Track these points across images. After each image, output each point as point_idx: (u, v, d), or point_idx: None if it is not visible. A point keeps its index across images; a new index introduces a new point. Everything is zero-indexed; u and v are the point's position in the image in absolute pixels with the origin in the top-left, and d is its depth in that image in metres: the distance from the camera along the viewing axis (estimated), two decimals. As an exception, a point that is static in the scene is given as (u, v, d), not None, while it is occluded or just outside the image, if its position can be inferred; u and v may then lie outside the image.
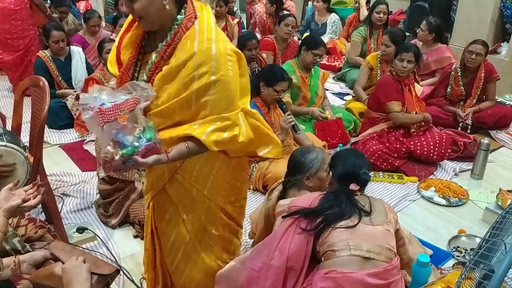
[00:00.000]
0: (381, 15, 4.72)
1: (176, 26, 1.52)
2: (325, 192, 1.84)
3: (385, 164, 3.30)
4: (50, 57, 3.99)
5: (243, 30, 5.82)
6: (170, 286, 1.99)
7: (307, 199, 1.80)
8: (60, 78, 4.02)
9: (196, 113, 1.53)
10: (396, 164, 3.32)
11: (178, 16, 1.52)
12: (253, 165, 3.06)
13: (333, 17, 5.84)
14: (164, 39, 1.53)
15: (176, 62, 1.50)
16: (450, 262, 2.45)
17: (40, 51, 4.06)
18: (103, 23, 5.15)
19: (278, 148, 1.82)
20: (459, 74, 3.93)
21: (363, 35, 4.82)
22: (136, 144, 1.43)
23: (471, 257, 1.05)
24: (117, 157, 1.42)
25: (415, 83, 3.50)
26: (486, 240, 1.01)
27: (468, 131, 3.78)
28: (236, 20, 5.58)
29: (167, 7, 1.48)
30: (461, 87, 3.94)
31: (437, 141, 3.35)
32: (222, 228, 1.85)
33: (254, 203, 2.91)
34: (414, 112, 3.37)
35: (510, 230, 0.95)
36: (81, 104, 1.45)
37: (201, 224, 1.80)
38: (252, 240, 2.34)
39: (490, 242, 0.96)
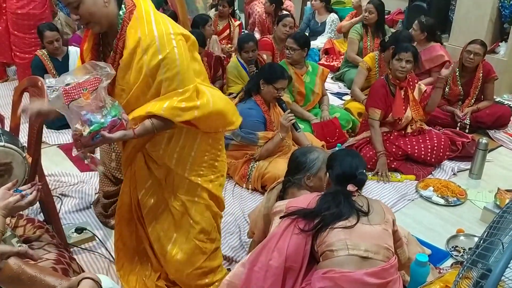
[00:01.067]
0: (367, 14, 4.76)
1: (121, 21, 1.63)
2: (323, 192, 1.84)
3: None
4: (48, 56, 3.99)
5: (243, 31, 5.82)
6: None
7: (305, 199, 1.81)
8: (57, 77, 4.01)
9: (157, 95, 1.64)
10: (394, 165, 3.32)
11: (120, 12, 1.64)
12: (252, 164, 3.06)
13: (332, 16, 5.84)
14: (115, 37, 1.66)
15: (127, 52, 1.63)
16: (449, 262, 2.45)
17: (38, 50, 4.06)
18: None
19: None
20: (457, 74, 3.93)
21: (359, 33, 4.85)
22: (102, 120, 1.53)
23: (469, 256, 1.05)
24: (85, 134, 1.52)
25: (418, 83, 3.43)
26: (483, 239, 1.01)
27: (467, 131, 3.79)
28: (238, 22, 5.59)
29: (107, 5, 1.60)
30: (459, 87, 3.94)
31: (435, 144, 3.35)
32: (203, 209, 1.92)
33: (253, 202, 2.91)
34: (401, 117, 3.34)
35: (508, 230, 0.95)
36: (48, 87, 1.55)
37: (182, 204, 1.88)
38: (251, 239, 2.34)
39: (488, 242, 0.97)
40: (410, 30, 4.45)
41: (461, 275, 1.02)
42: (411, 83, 3.38)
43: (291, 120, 2.95)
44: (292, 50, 3.67)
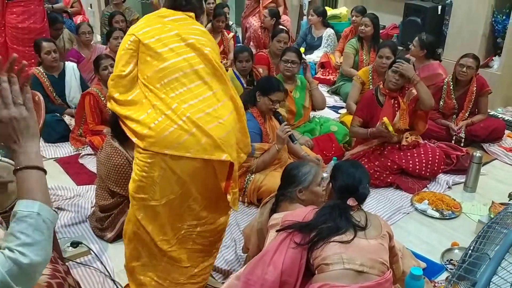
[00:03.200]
0: (363, 27, 4.83)
1: None
2: (318, 206, 1.85)
3: (378, 181, 3.31)
4: (44, 73, 4.00)
5: (238, 44, 5.86)
6: None
7: (301, 213, 1.82)
8: (54, 94, 4.04)
9: None
10: (389, 180, 3.34)
11: None
12: (248, 177, 3.07)
13: (329, 31, 5.91)
14: None
15: None
16: (443, 275, 2.45)
17: (34, 68, 4.07)
18: (98, 36, 5.18)
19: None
20: (451, 87, 3.98)
21: (355, 47, 4.91)
22: None
23: (454, 271, 1.06)
24: None
25: (410, 89, 3.40)
26: (469, 254, 1.03)
27: (462, 144, 3.82)
28: (231, 34, 5.64)
29: None
30: (454, 101, 3.98)
31: (430, 158, 3.37)
32: None
33: (249, 216, 2.92)
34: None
35: (493, 245, 0.97)
36: None
37: None
38: (246, 254, 2.34)
39: (474, 256, 0.98)
40: (410, 46, 4.47)
41: (452, 280, 1.02)
42: (406, 91, 3.40)
43: (288, 132, 2.96)
44: (294, 63, 3.70)
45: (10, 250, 0.99)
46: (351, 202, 1.80)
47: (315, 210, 1.79)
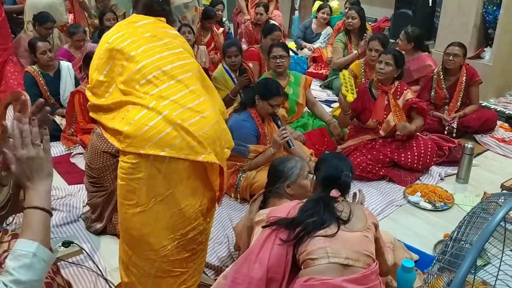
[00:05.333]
0: (350, 20, 4.85)
1: None
2: (304, 200, 1.85)
3: (370, 174, 3.31)
4: (39, 72, 3.98)
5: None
6: None
7: (286, 208, 1.81)
8: (48, 93, 4.02)
9: None
10: (382, 173, 3.34)
11: None
12: (240, 174, 3.06)
13: (329, 30, 5.96)
14: None
15: None
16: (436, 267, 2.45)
17: (28, 66, 4.05)
18: (88, 38, 5.15)
19: None
20: (441, 77, 3.99)
21: (343, 41, 4.93)
22: None
23: (438, 255, 1.06)
24: None
25: (406, 91, 3.41)
26: (454, 238, 1.02)
27: (454, 135, 3.82)
28: (221, 29, 5.61)
29: None
30: (444, 91, 3.99)
31: (422, 151, 3.37)
32: None
33: (242, 212, 2.91)
34: (381, 120, 3.37)
35: (474, 235, 0.97)
36: None
37: None
38: (238, 251, 2.34)
39: (456, 248, 0.98)
40: (397, 40, 4.48)
41: (433, 275, 1.02)
42: (398, 90, 3.40)
43: (285, 137, 2.92)
44: (282, 58, 3.67)
45: (4, 284, 1.05)
46: (334, 193, 1.80)
47: (299, 204, 1.79)
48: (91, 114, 1.86)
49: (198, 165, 1.76)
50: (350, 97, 3.23)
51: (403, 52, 4.27)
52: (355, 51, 4.81)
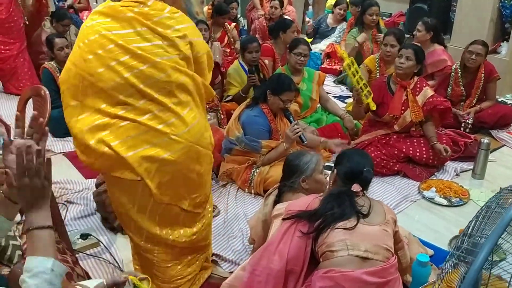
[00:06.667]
0: (374, 17, 4.78)
1: None
2: (321, 194, 1.86)
3: (385, 169, 3.30)
4: (57, 68, 4.04)
5: (243, 36, 5.85)
6: None
7: (304, 201, 1.83)
8: None
9: None
10: (396, 168, 3.33)
11: None
12: (254, 169, 3.08)
13: (344, 25, 5.92)
14: None
15: None
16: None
17: (46, 63, 4.12)
18: None
19: None
20: (459, 74, 3.95)
21: (355, 37, 4.87)
22: None
23: (452, 250, 1.06)
24: None
25: (426, 88, 3.38)
26: (469, 233, 1.03)
27: (468, 131, 3.79)
28: (233, 24, 5.60)
29: None
30: (462, 88, 3.95)
31: None
32: None
33: (256, 207, 2.93)
34: (397, 115, 3.36)
35: (491, 224, 0.97)
36: None
37: None
38: (253, 245, 2.36)
39: (474, 237, 0.98)
40: (414, 32, 4.42)
41: (447, 270, 1.03)
42: (418, 86, 3.37)
43: (297, 132, 2.93)
44: (306, 56, 3.67)
45: None
46: (355, 188, 1.81)
47: (319, 198, 1.80)
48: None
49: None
50: (373, 106, 3.26)
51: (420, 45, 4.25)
52: (355, 44, 4.78)
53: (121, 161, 1.69)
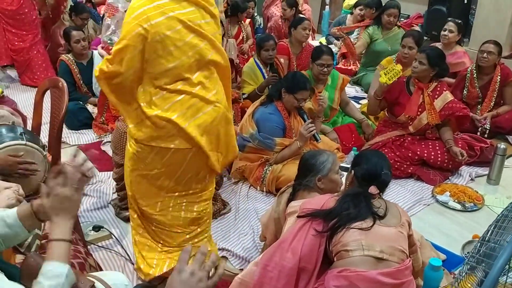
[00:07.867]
0: (391, 18, 4.75)
1: None
2: (336, 194, 1.85)
3: (398, 172, 3.26)
4: (74, 61, 4.08)
5: (258, 34, 5.84)
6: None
7: (319, 200, 1.82)
8: (82, 81, 4.13)
9: None
10: (410, 170, 3.30)
11: None
12: (266, 167, 3.07)
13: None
14: None
15: None
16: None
17: (63, 55, 4.16)
18: None
19: None
20: (474, 76, 3.91)
21: (370, 33, 4.85)
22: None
23: (470, 255, 1.05)
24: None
25: (446, 92, 3.34)
26: (487, 238, 1.01)
27: (485, 136, 3.74)
28: (248, 21, 5.58)
29: None
30: (477, 89, 3.91)
31: None
32: None
33: (267, 204, 2.92)
34: (413, 116, 3.33)
35: (509, 235, 0.95)
36: None
37: None
38: (264, 242, 2.36)
39: (493, 241, 0.97)
40: (445, 33, 4.31)
41: (464, 273, 1.02)
42: (438, 90, 3.33)
43: (311, 131, 2.92)
44: (330, 66, 3.57)
45: None
46: (373, 190, 1.80)
47: (334, 198, 1.79)
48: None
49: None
50: (383, 78, 3.27)
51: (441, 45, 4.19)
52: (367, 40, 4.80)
53: (179, 132, 1.88)
